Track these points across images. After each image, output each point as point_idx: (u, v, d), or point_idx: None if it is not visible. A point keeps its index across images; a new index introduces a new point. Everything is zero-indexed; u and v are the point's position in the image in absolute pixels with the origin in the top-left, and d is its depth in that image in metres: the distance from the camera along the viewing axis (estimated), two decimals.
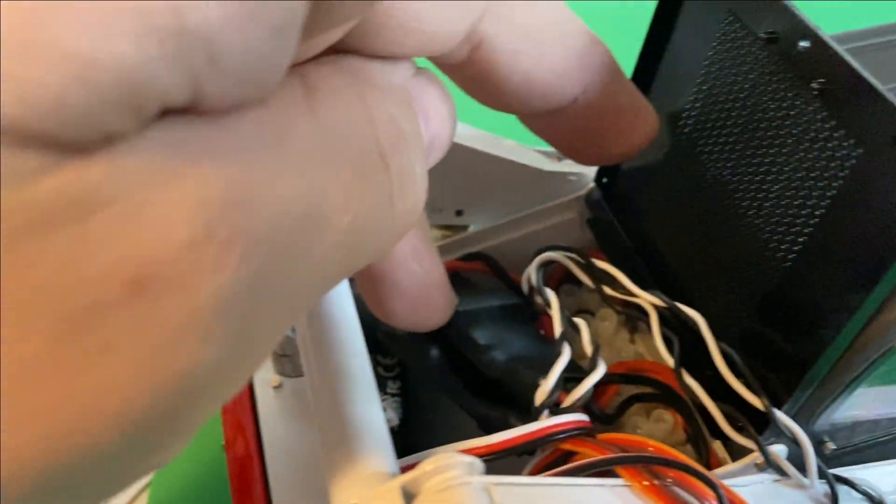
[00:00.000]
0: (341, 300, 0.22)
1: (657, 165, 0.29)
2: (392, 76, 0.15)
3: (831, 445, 0.25)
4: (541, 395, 0.22)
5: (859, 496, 0.24)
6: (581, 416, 0.22)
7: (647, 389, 0.29)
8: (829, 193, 0.20)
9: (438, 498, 0.16)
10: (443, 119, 0.16)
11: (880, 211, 0.19)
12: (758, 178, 0.23)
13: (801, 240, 0.22)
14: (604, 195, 0.32)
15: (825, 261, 0.21)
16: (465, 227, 0.34)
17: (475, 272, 0.31)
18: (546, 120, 0.20)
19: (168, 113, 0.10)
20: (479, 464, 0.18)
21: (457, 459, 0.17)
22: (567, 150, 0.22)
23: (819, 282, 0.21)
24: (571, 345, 0.25)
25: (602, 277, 0.28)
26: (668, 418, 0.29)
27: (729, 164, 0.24)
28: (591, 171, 0.33)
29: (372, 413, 0.19)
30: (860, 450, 0.26)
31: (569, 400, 0.23)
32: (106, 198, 0.09)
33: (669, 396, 0.28)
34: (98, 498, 0.11)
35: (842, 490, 0.24)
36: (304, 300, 0.13)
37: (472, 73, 0.17)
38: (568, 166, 0.33)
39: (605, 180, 0.32)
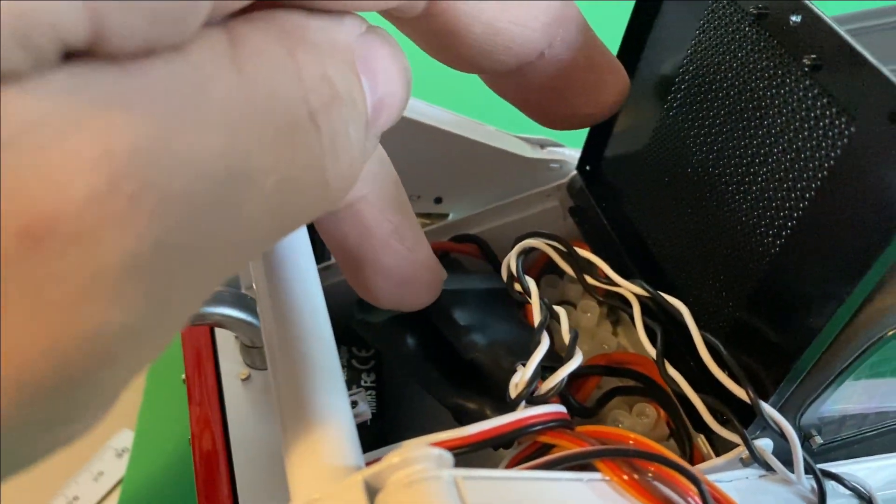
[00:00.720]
0: (309, 288, 0.21)
1: (641, 152, 0.28)
2: (335, 34, 0.14)
3: (818, 440, 0.24)
4: (519, 385, 0.21)
5: (847, 492, 0.23)
6: (559, 408, 0.21)
7: (630, 382, 0.28)
8: (819, 175, 0.20)
9: (404, 493, 0.15)
10: (392, 81, 0.15)
11: (872, 192, 0.18)
12: (745, 161, 0.22)
13: (789, 225, 0.21)
14: (586, 183, 0.31)
15: (814, 247, 0.20)
16: (445, 216, 0.33)
17: (466, 255, 0.31)
18: (512, 79, 0.19)
19: (74, 57, 0.09)
20: (448, 457, 0.17)
21: (424, 452, 0.16)
22: (536, 112, 0.21)
23: (807, 269, 0.20)
24: (552, 334, 0.24)
25: (584, 266, 0.27)
26: (650, 412, 0.28)
27: (715, 148, 0.23)
28: (573, 159, 0.32)
29: (337, 405, 0.18)
30: (848, 444, 0.25)
31: (543, 388, 0.22)
32: None
33: (652, 390, 0.27)
34: (7, 472, 0.10)
35: (829, 486, 0.23)
36: (230, 262, 0.12)
37: (432, 26, 0.16)
38: (551, 154, 0.32)
39: (588, 168, 0.31)
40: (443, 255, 0.30)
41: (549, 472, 0.18)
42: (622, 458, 0.19)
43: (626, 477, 0.19)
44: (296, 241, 0.22)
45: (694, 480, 0.18)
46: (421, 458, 0.16)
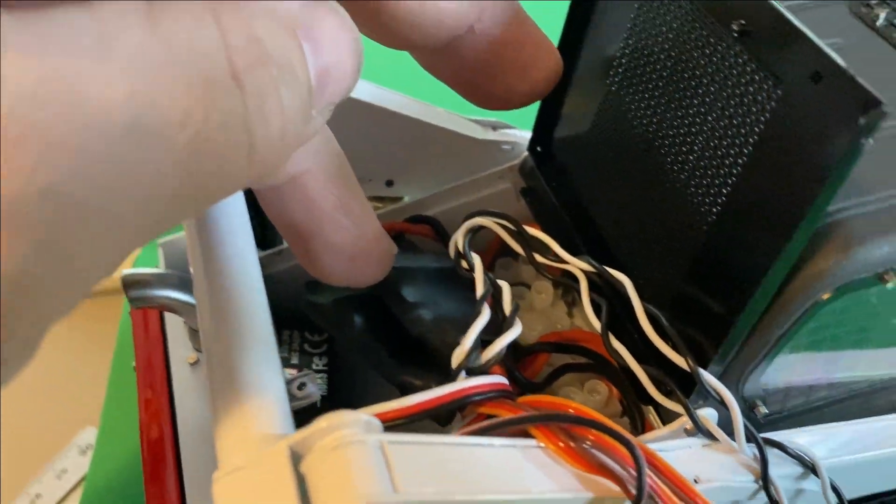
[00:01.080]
0: (245, 262, 0.21)
1: (589, 131, 0.28)
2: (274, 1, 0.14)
3: (763, 409, 0.24)
4: (458, 356, 0.21)
5: (791, 460, 0.23)
6: (499, 379, 0.21)
7: (581, 360, 0.28)
8: (750, 140, 0.20)
9: (328, 457, 0.15)
10: (339, 49, 0.15)
11: (799, 154, 0.18)
12: (682, 132, 0.22)
13: (724, 192, 0.21)
14: (537, 164, 0.31)
15: (747, 212, 0.20)
16: (399, 199, 0.33)
17: (420, 236, 0.30)
18: (444, 56, 0.19)
19: None
20: (376, 422, 0.17)
21: (351, 417, 0.16)
22: (470, 91, 0.22)
23: (741, 235, 0.20)
24: (498, 309, 0.24)
25: (533, 245, 0.27)
26: (601, 389, 0.28)
27: (655, 120, 0.24)
28: (525, 141, 0.32)
29: (266, 376, 0.18)
30: (796, 415, 0.25)
31: (483, 358, 0.22)
32: None
33: (603, 367, 0.27)
34: None
35: (773, 454, 0.23)
36: (143, 221, 0.12)
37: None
38: (502, 136, 0.32)
39: (539, 148, 0.31)
40: (397, 236, 0.30)
41: (481, 437, 0.18)
42: (558, 426, 0.19)
43: (561, 444, 0.19)
44: (233, 219, 0.22)
45: (627, 445, 0.18)
46: (347, 424, 0.16)
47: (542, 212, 0.30)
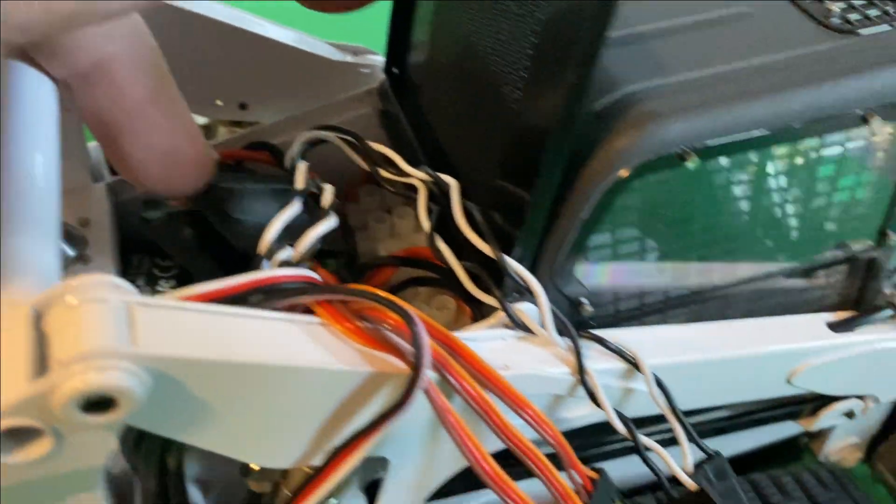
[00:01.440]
0: (32, 157, 0.20)
1: (433, 45, 0.28)
2: None
3: (589, 308, 0.24)
4: (262, 244, 0.21)
5: (612, 354, 0.23)
6: (305, 272, 0.21)
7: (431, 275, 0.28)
8: (540, 17, 0.20)
9: (67, 313, 0.15)
10: None
11: (570, 27, 0.18)
12: (495, 24, 0.22)
13: (524, 76, 0.21)
14: (393, 86, 0.30)
15: (537, 92, 0.20)
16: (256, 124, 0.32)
17: (261, 163, 0.30)
18: None
19: None
20: (130, 287, 0.16)
21: (100, 279, 0.16)
22: None
23: (533, 115, 0.20)
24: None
25: (377, 160, 0.27)
26: (450, 305, 0.28)
27: (477, 18, 0.23)
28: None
29: (30, 249, 0.17)
30: (632, 317, 0.25)
31: (296, 254, 0.21)
32: None
33: (448, 279, 0.27)
34: None
35: (595, 349, 0.23)
36: None
37: None
38: (361, 59, 0.32)
39: (394, 70, 0.31)
40: (235, 164, 0.29)
41: (252, 309, 0.18)
42: (344, 306, 0.19)
43: (349, 325, 0.19)
44: (30, 117, 0.21)
45: (404, 315, 0.18)
46: (92, 283, 0.15)
47: (395, 133, 0.30)
